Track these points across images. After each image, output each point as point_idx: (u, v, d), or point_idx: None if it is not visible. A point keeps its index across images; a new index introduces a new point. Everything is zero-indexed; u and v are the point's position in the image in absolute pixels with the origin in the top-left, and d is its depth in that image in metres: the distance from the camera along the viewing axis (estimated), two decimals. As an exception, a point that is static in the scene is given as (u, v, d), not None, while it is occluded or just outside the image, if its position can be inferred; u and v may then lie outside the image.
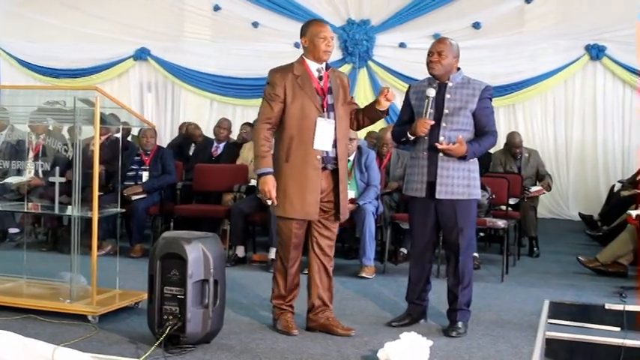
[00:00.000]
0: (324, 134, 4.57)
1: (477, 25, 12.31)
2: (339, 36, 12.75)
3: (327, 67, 4.72)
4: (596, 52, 11.87)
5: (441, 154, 4.72)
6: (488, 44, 12.02)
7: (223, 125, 9.66)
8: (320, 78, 4.67)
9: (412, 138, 4.81)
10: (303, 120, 4.56)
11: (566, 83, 12.25)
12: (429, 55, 4.80)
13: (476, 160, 4.88)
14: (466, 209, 4.82)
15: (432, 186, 4.76)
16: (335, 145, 4.63)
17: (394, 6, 12.81)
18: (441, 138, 4.71)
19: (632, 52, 11.54)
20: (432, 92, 4.71)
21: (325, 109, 4.61)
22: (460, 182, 4.75)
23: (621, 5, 11.54)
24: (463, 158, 4.72)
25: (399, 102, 10.26)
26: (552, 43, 12.09)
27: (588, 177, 12.24)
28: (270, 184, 4.52)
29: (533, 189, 8.45)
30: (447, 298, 4.96)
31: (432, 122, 4.71)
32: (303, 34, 4.69)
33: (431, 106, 4.71)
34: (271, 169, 4.56)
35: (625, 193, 9.25)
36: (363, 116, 4.81)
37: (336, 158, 4.65)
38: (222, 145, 9.55)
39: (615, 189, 10.34)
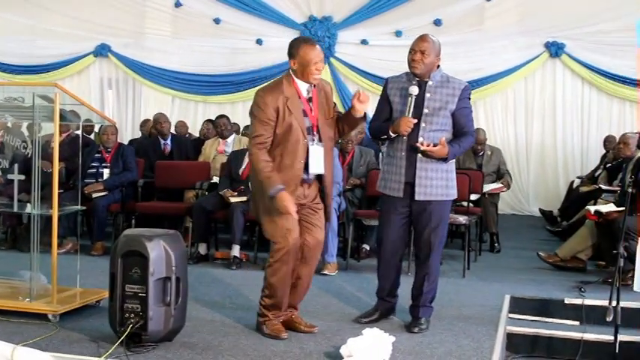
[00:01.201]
0: (317, 158, 4.55)
1: (438, 22, 12.44)
2: (301, 32, 12.81)
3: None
4: (555, 49, 12.10)
5: (419, 155, 4.68)
6: (449, 41, 11.82)
7: (162, 119, 9.52)
8: (309, 99, 4.60)
9: (393, 136, 4.77)
10: (288, 142, 4.50)
11: (526, 80, 12.45)
12: (411, 52, 4.74)
13: (453, 160, 4.88)
14: (442, 209, 4.83)
15: (409, 186, 4.73)
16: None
17: (356, 3, 12.91)
18: (420, 139, 4.66)
19: (591, 49, 11.89)
20: (415, 90, 4.67)
21: (312, 132, 4.56)
22: (439, 183, 4.75)
23: (580, 3, 11.78)
24: (444, 160, 4.71)
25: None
26: (512, 40, 12.28)
27: (548, 173, 12.46)
28: (286, 199, 4.39)
29: (493, 186, 8.54)
30: (410, 294, 4.98)
31: (415, 121, 4.66)
32: (292, 55, 4.55)
33: (413, 103, 4.67)
34: (282, 186, 4.44)
35: (584, 189, 9.37)
36: (342, 124, 4.76)
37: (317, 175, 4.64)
38: (169, 141, 9.45)
39: (574, 185, 10.49)
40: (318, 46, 4.61)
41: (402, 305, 5.20)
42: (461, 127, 4.79)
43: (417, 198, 4.72)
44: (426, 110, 4.71)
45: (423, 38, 4.76)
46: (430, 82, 4.75)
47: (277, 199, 4.40)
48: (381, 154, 8.54)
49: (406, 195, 4.75)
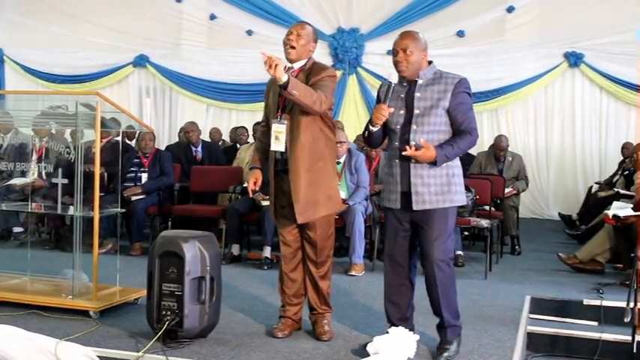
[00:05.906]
0: (278, 136, 4.49)
1: (460, 33, 12.58)
2: (330, 44, 13.06)
3: (308, 66, 4.53)
4: (574, 59, 12.22)
5: (412, 161, 4.14)
6: (471, 51, 12.30)
7: (190, 128, 9.68)
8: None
9: (374, 129, 4.27)
10: (269, 121, 4.64)
11: (546, 89, 12.57)
12: (393, 53, 4.23)
13: (457, 161, 4.28)
14: (444, 217, 4.20)
15: (406, 196, 4.20)
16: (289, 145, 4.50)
17: (382, 15, 13.10)
18: (412, 142, 4.13)
19: (609, 59, 11.96)
20: (394, 78, 4.20)
21: (280, 110, 4.53)
22: (438, 189, 4.15)
23: (598, 15, 11.89)
24: (433, 164, 4.12)
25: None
26: (533, 50, 12.40)
27: (567, 178, 12.54)
28: (250, 176, 4.70)
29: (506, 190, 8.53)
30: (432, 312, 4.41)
31: (391, 110, 4.18)
32: None
33: (392, 91, 4.20)
34: (256, 165, 4.76)
35: (602, 194, 9.43)
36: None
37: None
38: (200, 149, 9.62)
39: (593, 190, 10.55)
40: (297, 24, 4.61)
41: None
42: (458, 125, 4.17)
43: (414, 208, 4.16)
44: (416, 111, 4.16)
45: (403, 35, 4.24)
46: (420, 81, 4.21)
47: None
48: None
49: (404, 206, 4.22)
